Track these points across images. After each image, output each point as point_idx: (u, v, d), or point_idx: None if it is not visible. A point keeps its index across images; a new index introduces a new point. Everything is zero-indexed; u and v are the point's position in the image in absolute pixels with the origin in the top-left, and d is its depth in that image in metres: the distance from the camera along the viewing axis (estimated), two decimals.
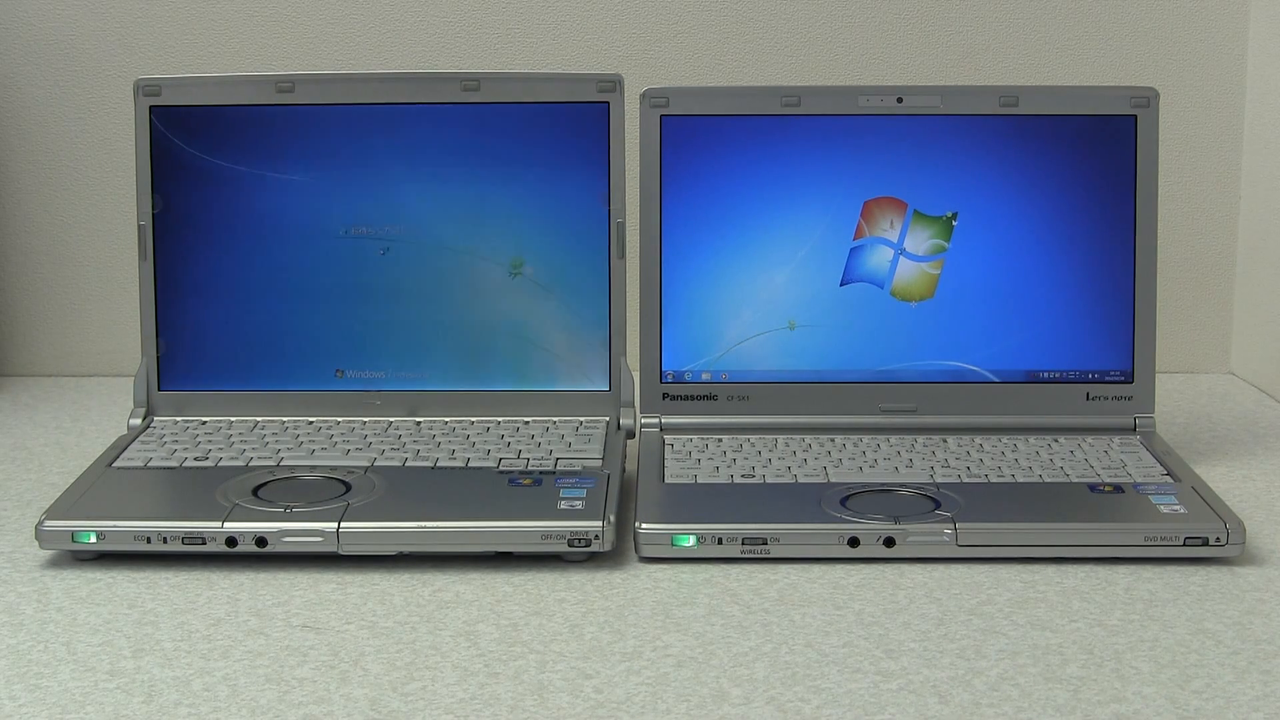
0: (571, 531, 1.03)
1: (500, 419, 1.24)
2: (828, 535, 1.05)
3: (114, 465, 1.15)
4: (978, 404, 1.24)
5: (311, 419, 1.24)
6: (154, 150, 1.25)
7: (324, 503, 1.07)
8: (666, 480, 1.13)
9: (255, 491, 1.10)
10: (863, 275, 1.25)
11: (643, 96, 1.24)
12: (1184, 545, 1.04)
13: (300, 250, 1.25)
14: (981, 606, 0.97)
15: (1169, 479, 1.13)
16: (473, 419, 1.24)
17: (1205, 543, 1.04)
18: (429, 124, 1.24)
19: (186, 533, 1.04)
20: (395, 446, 1.18)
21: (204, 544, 1.04)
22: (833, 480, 1.13)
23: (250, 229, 1.25)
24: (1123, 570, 1.03)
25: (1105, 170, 1.24)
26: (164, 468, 1.15)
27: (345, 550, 1.04)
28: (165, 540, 1.04)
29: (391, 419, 1.24)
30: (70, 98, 1.55)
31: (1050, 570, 1.03)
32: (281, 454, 1.17)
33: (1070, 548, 1.04)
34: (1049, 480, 1.13)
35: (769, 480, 1.13)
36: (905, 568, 1.04)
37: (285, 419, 1.24)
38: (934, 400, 1.24)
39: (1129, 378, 1.24)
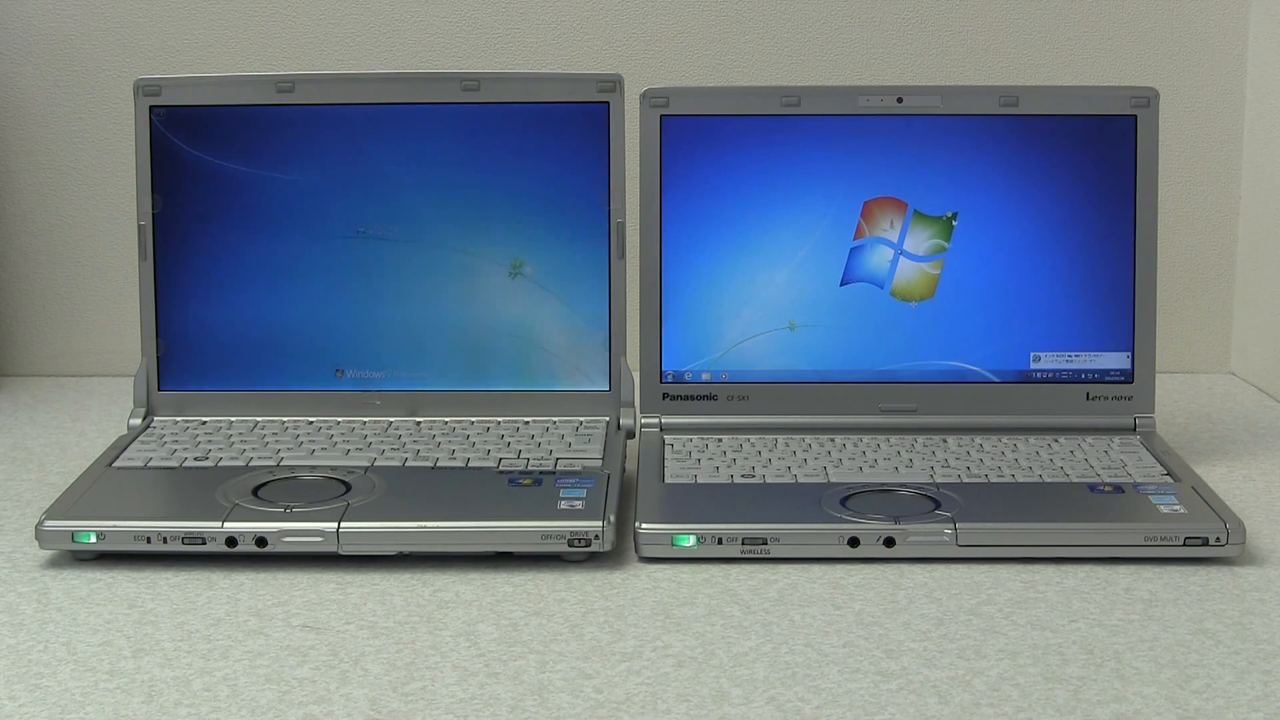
0: (571, 531, 1.03)
1: (500, 419, 1.24)
2: (828, 535, 1.05)
3: (114, 465, 1.15)
4: (978, 404, 1.24)
5: (311, 419, 1.24)
6: (154, 150, 1.25)
7: (324, 503, 1.07)
8: (666, 480, 1.13)
9: (255, 491, 1.10)
10: (863, 275, 1.25)
11: (643, 96, 1.24)
12: (1184, 545, 1.04)
13: (300, 250, 1.25)
14: (981, 606, 0.97)
15: (1169, 479, 1.13)
16: (473, 419, 1.24)
17: (1205, 543, 1.04)
18: (429, 124, 1.24)
19: (186, 533, 1.04)
20: (395, 446, 1.18)
21: (204, 544, 1.04)
22: (833, 480, 1.13)
23: (250, 229, 1.25)
24: (1123, 570, 1.03)
25: (1105, 170, 1.24)
26: (164, 468, 1.15)
27: (345, 550, 1.04)
28: (165, 540, 1.04)
29: (391, 419, 1.24)
30: (70, 98, 1.55)
31: (1050, 570, 1.03)
32: (281, 454, 1.17)
33: (1070, 548, 1.04)
34: (1049, 480, 1.13)
35: (769, 480, 1.13)
36: (905, 568, 1.04)
37: (285, 419, 1.24)
38: (934, 400, 1.24)
39: (1129, 378, 1.24)
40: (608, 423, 1.23)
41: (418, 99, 1.24)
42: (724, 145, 1.24)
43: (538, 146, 1.24)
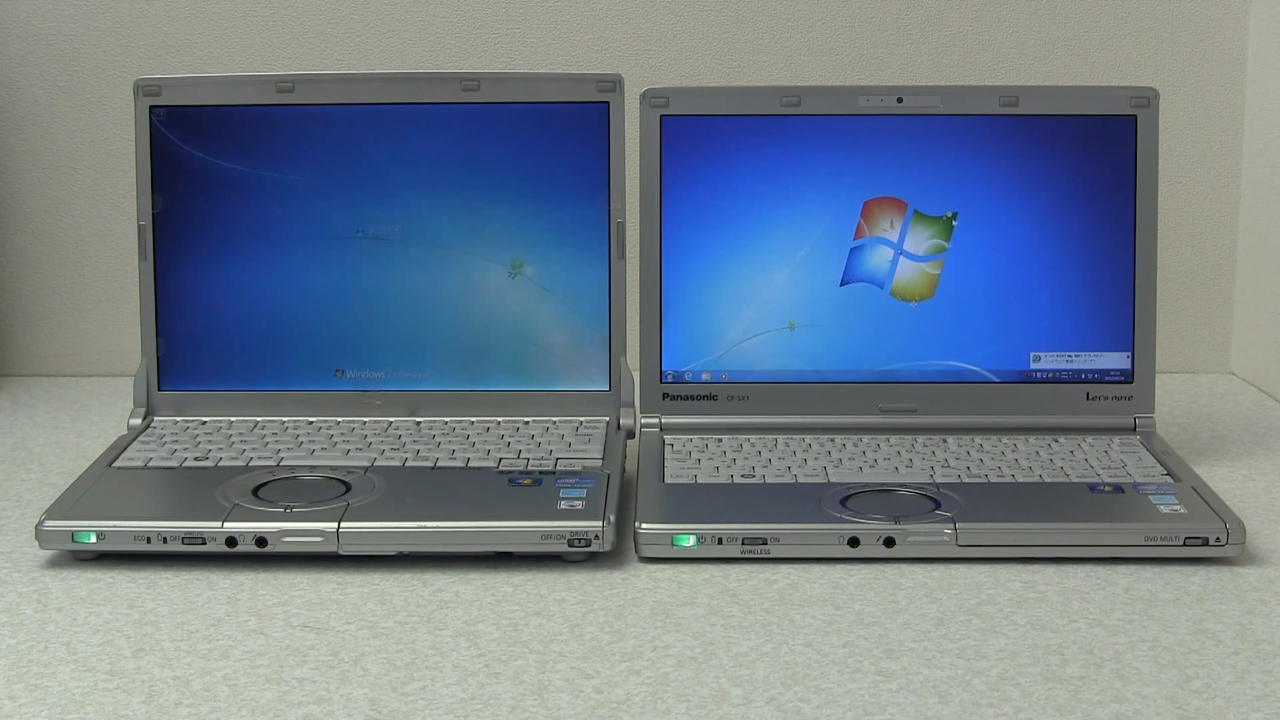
0: (571, 531, 1.03)
1: (500, 419, 1.24)
2: (828, 535, 1.05)
3: (114, 465, 1.15)
4: (978, 404, 1.24)
5: (311, 419, 1.24)
6: (154, 150, 1.25)
7: (324, 503, 1.07)
8: (666, 480, 1.13)
9: (255, 491, 1.10)
10: (863, 275, 1.25)
11: (643, 96, 1.24)
12: (1184, 545, 1.04)
13: (300, 250, 1.25)
14: (981, 606, 0.97)
15: (1169, 479, 1.13)
16: (473, 419, 1.24)
17: (1205, 543, 1.04)
18: (429, 124, 1.24)
19: (186, 533, 1.04)
20: (395, 446, 1.18)
21: (204, 544, 1.04)
22: (833, 480, 1.13)
23: (250, 229, 1.25)
24: (1123, 570, 1.03)
25: (1105, 170, 1.24)
26: (164, 468, 1.15)
27: (345, 550, 1.04)
28: (165, 540, 1.04)
29: (391, 419, 1.24)
30: (70, 98, 1.55)
31: (1050, 570, 1.03)
32: (281, 454, 1.17)
33: (1070, 548, 1.04)
34: (1049, 480, 1.13)
35: (769, 480, 1.13)
36: (905, 568, 1.04)
37: (285, 419, 1.24)
38: (934, 400, 1.24)
39: (1129, 378, 1.24)
40: (608, 423, 1.23)
41: (418, 99, 1.24)
42: (724, 145, 1.24)
43: (538, 146, 1.24)
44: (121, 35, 1.53)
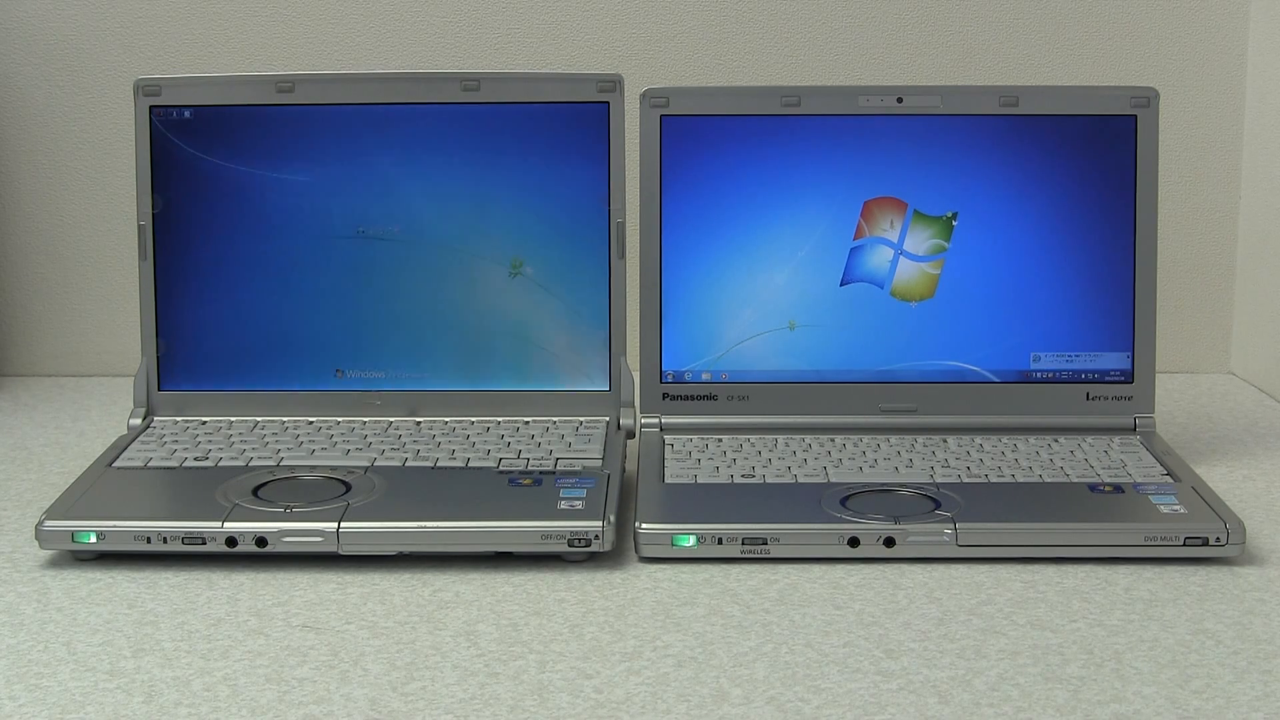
0: (571, 531, 1.03)
1: (500, 419, 1.24)
2: (828, 535, 1.05)
3: (114, 465, 1.15)
4: (978, 404, 1.24)
5: (311, 419, 1.24)
6: (154, 150, 1.25)
7: (324, 503, 1.07)
8: (666, 480, 1.13)
9: (255, 491, 1.10)
10: (863, 275, 1.25)
11: (643, 96, 1.24)
12: (1184, 545, 1.04)
13: (300, 250, 1.25)
14: (981, 606, 0.97)
15: (1169, 479, 1.13)
16: (473, 419, 1.24)
17: (1205, 543, 1.04)
18: (429, 124, 1.24)
19: (186, 533, 1.04)
20: (395, 446, 1.18)
21: (204, 544, 1.04)
22: (833, 480, 1.13)
23: (250, 229, 1.25)
24: (1123, 570, 1.03)
25: (1105, 170, 1.24)
26: (164, 468, 1.15)
27: (345, 550, 1.04)
28: (165, 540, 1.04)
29: (391, 419, 1.24)
30: (70, 98, 1.55)
31: (1050, 570, 1.03)
32: (281, 454, 1.17)
33: (1070, 548, 1.04)
34: (1049, 480, 1.13)
35: (769, 480, 1.13)
36: (905, 568, 1.04)
37: (285, 419, 1.24)
38: (934, 400, 1.24)
39: (1129, 378, 1.24)
40: (608, 423, 1.23)
41: (418, 99, 1.24)
42: (724, 145, 1.24)
43: (538, 146, 1.24)
44: (121, 35, 1.53)
